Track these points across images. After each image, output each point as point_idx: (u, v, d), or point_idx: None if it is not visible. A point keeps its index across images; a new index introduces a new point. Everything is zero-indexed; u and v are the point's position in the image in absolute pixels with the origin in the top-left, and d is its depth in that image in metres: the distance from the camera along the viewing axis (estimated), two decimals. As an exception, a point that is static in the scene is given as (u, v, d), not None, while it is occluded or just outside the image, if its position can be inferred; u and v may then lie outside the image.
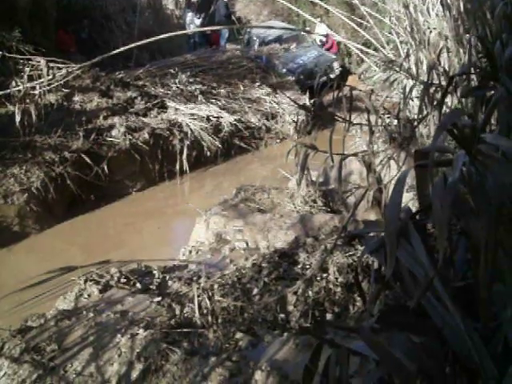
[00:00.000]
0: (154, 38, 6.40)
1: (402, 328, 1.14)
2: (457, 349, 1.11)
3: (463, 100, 3.59)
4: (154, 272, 4.90)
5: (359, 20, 7.23)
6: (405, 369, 1.01)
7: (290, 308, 4.08)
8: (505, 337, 1.12)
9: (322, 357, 1.19)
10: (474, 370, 1.09)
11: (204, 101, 10.25)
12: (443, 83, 3.83)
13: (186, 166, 9.22)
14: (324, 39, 14.28)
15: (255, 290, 4.32)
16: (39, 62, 7.73)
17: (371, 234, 1.48)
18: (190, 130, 9.43)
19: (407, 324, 1.16)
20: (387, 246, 1.16)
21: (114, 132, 8.73)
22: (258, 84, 11.48)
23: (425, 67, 4.83)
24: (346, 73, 13.86)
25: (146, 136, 8.87)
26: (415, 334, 1.14)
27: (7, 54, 8.19)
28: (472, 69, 2.06)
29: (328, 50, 14.21)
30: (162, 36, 6.41)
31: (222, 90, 10.90)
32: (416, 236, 1.20)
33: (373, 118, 3.70)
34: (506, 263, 1.10)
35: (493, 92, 1.46)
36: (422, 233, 1.25)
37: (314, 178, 5.58)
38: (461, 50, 4.43)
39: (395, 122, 3.94)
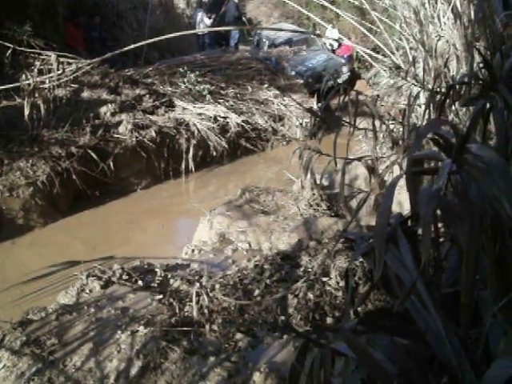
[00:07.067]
0: (163, 37, 6.43)
1: (385, 330, 1.16)
2: (438, 353, 1.12)
3: (470, 108, 3.59)
4: (156, 270, 4.92)
5: (369, 25, 7.22)
6: (384, 370, 1.02)
7: (291, 310, 4.08)
8: (485, 342, 1.13)
9: (308, 357, 1.20)
10: (454, 375, 1.10)
11: (212, 101, 10.28)
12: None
13: (191, 165, 9.26)
14: (334, 43, 14.28)
15: (256, 292, 4.33)
16: (49, 56, 7.80)
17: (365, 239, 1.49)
18: (197, 129, 9.47)
19: (391, 327, 1.18)
20: (376, 251, 1.18)
21: (121, 129, 8.76)
22: (266, 86, 11.49)
23: (433, 74, 4.83)
24: (355, 77, 13.81)
25: (153, 134, 8.90)
26: (399, 336, 1.15)
27: (18, 48, 8.26)
28: (473, 78, 2.07)
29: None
30: (171, 35, 6.45)
31: (230, 91, 10.92)
32: (404, 241, 1.22)
33: (379, 123, 3.71)
34: (489, 269, 1.11)
35: (493, 102, 1.47)
36: (413, 239, 1.27)
37: (318, 181, 5.59)
38: (470, 59, 4.42)
39: (401, 127, 3.94)
